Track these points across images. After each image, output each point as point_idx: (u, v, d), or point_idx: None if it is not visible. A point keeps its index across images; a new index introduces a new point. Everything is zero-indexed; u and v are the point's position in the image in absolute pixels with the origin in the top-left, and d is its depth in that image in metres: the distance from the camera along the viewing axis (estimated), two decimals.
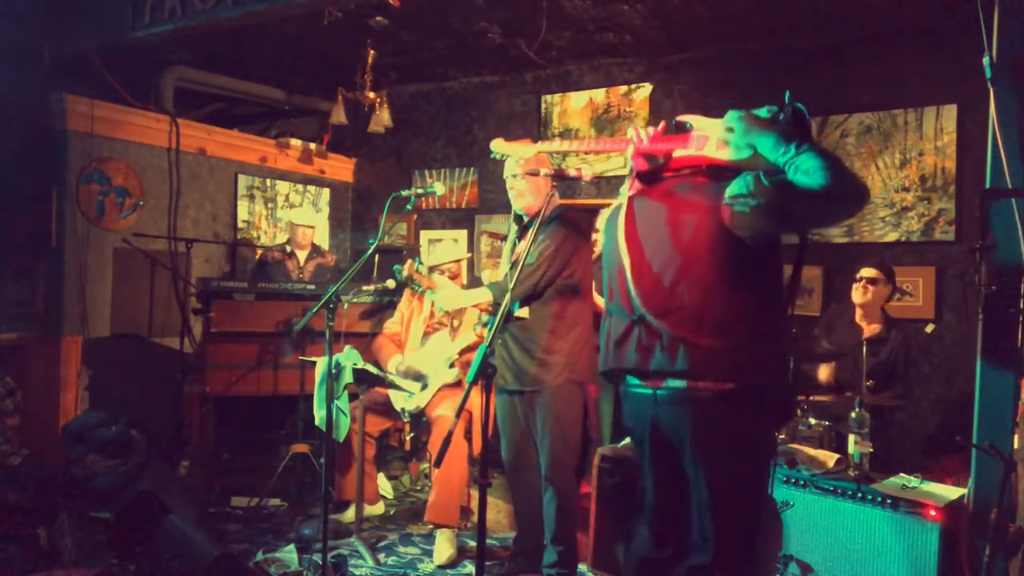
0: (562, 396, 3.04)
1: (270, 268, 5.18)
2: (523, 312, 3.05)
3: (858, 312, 3.78)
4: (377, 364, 4.04)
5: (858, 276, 3.77)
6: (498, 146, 2.35)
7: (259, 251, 5.65)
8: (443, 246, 4.15)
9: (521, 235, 3.18)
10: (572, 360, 3.04)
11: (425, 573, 3.42)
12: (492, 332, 2.19)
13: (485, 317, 3.40)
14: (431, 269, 4.17)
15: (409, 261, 3.21)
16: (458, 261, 4.15)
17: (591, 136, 5.37)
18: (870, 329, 3.74)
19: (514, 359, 3.07)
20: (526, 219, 3.16)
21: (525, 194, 3.10)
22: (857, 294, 3.75)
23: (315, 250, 5.32)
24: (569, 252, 3.02)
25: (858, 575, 2.65)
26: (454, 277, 4.05)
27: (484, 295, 3.12)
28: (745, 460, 2.00)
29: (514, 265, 2.71)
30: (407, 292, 4.29)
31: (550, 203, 2.71)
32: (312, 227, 5.33)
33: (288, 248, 5.26)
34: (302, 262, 5.19)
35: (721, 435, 1.97)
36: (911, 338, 3.99)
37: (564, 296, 3.03)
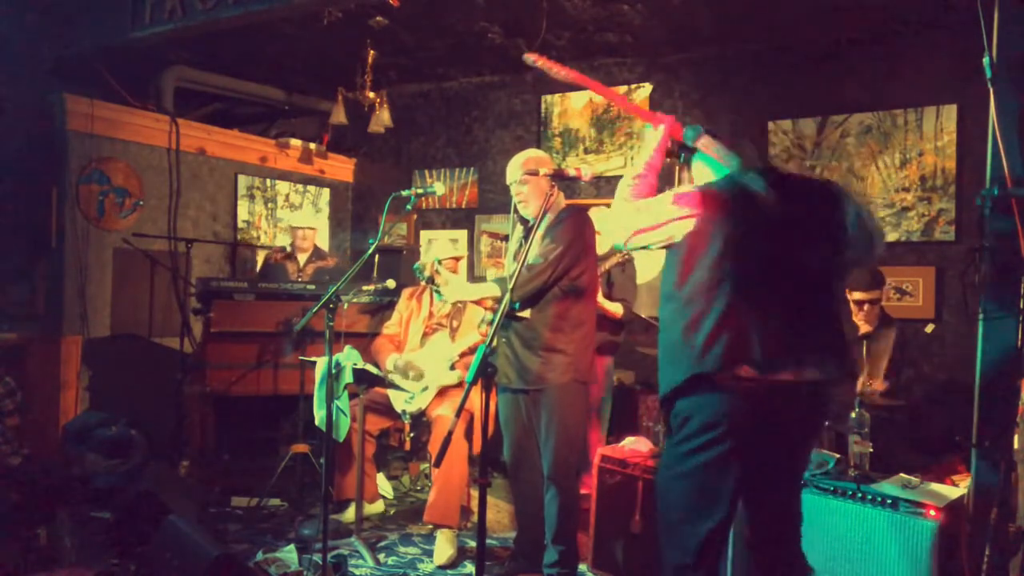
0: (567, 395, 3.03)
1: (271, 269, 5.19)
2: (525, 312, 3.04)
3: (856, 314, 3.78)
4: (377, 365, 4.03)
5: (853, 300, 3.70)
6: (532, 57, 2.36)
7: (261, 252, 5.64)
8: (438, 245, 4.13)
9: (527, 236, 3.14)
10: (577, 359, 3.04)
11: (425, 573, 3.42)
12: (493, 331, 2.19)
13: (489, 316, 3.40)
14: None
15: (432, 261, 3.19)
16: (456, 259, 4.14)
17: (592, 138, 5.37)
18: (866, 327, 3.75)
19: (518, 357, 3.06)
20: (532, 220, 3.14)
21: (530, 197, 3.07)
22: (858, 318, 3.72)
23: (316, 253, 5.31)
24: (576, 254, 3.01)
25: (858, 575, 2.65)
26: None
27: (492, 289, 3.09)
28: None
29: (520, 261, 2.70)
30: (405, 293, 4.29)
31: (551, 202, 2.70)
32: (312, 229, 5.32)
33: (288, 249, 5.26)
34: (301, 264, 5.19)
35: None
36: (909, 336, 3.99)
37: (569, 297, 3.02)
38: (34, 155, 4.87)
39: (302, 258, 5.21)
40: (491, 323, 3.42)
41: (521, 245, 3.20)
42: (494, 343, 2.15)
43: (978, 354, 2.56)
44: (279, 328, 4.39)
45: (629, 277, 4.27)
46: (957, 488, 2.69)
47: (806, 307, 2.06)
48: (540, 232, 3.02)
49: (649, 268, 5.03)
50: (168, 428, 4.63)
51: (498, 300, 3.08)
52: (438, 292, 3.11)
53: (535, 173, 2.94)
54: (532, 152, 3.24)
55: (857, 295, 3.71)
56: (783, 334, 2.00)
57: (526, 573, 3.21)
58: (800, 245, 2.07)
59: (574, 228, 3.02)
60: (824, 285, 2.12)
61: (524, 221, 3.22)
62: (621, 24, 4.55)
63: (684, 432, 2.06)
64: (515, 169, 3.12)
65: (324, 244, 6.40)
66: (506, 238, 4.88)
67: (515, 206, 3.19)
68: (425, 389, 3.92)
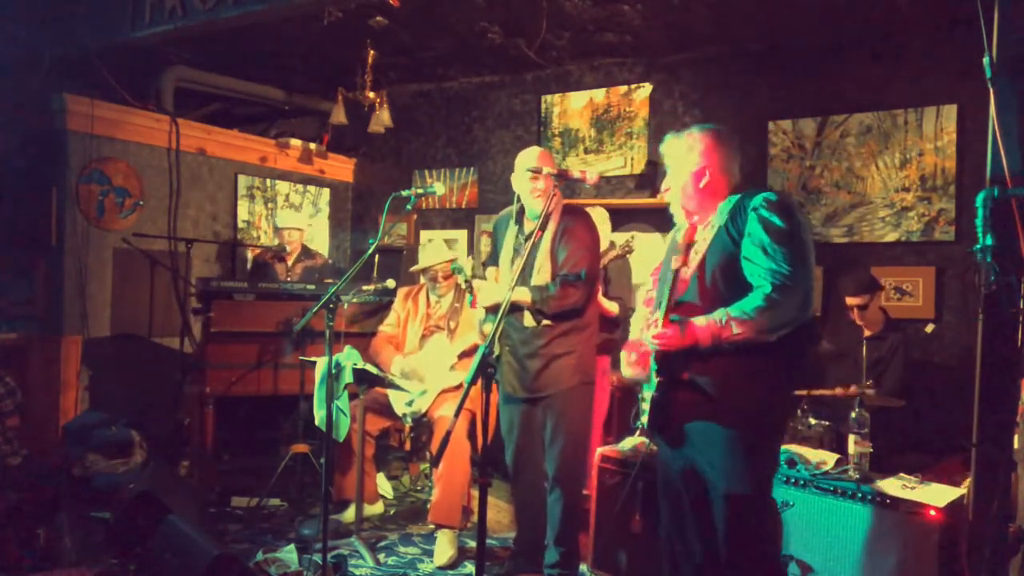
0: (575, 398, 3.02)
1: (261, 269, 5.20)
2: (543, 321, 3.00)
3: (855, 319, 3.82)
4: (376, 365, 4.03)
5: (847, 305, 3.83)
6: None
7: (255, 251, 5.64)
8: (433, 247, 4.14)
9: (528, 236, 3.06)
10: (583, 361, 3.03)
11: (425, 573, 3.42)
12: (494, 331, 2.19)
13: (481, 313, 3.35)
14: (424, 272, 4.15)
15: (469, 262, 3.14)
16: (450, 261, 4.13)
17: (592, 138, 5.37)
18: (869, 329, 3.76)
19: (523, 365, 3.03)
20: (533, 219, 3.08)
21: (543, 194, 2.98)
22: (856, 319, 3.83)
23: (304, 252, 5.31)
24: (596, 259, 3.02)
25: (858, 575, 2.65)
26: (447, 277, 4.04)
27: (525, 294, 2.98)
28: None
29: (523, 266, 2.66)
30: (400, 293, 4.28)
31: (553, 202, 2.67)
32: (300, 230, 5.30)
33: (285, 249, 5.24)
34: (290, 264, 5.19)
35: None
36: (910, 338, 4.00)
37: None
38: (34, 155, 4.87)
39: (291, 258, 5.21)
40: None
41: (517, 250, 3.13)
42: (495, 350, 2.14)
43: (978, 354, 2.56)
44: (279, 328, 4.39)
45: (624, 275, 4.27)
46: (957, 488, 2.69)
47: None
48: (548, 235, 3.00)
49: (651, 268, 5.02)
50: (168, 428, 4.63)
51: (533, 307, 3.00)
52: (469, 291, 3.10)
53: (539, 171, 2.92)
54: (542, 149, 3.23)
55: (849, 300, 3.82)
56: None
57: (526, 573, 3.21)
58: None
59: (588, 232, 3.02)
60: None
61: (520, 221, 3.17)
62: (621, 24, 4.55)
63: None
64: (541, 160, 3.02)
65: (324, 244, 6.40)
66: None
67: (516, 204, 3.13)
68: (424, 393, 3.91)
